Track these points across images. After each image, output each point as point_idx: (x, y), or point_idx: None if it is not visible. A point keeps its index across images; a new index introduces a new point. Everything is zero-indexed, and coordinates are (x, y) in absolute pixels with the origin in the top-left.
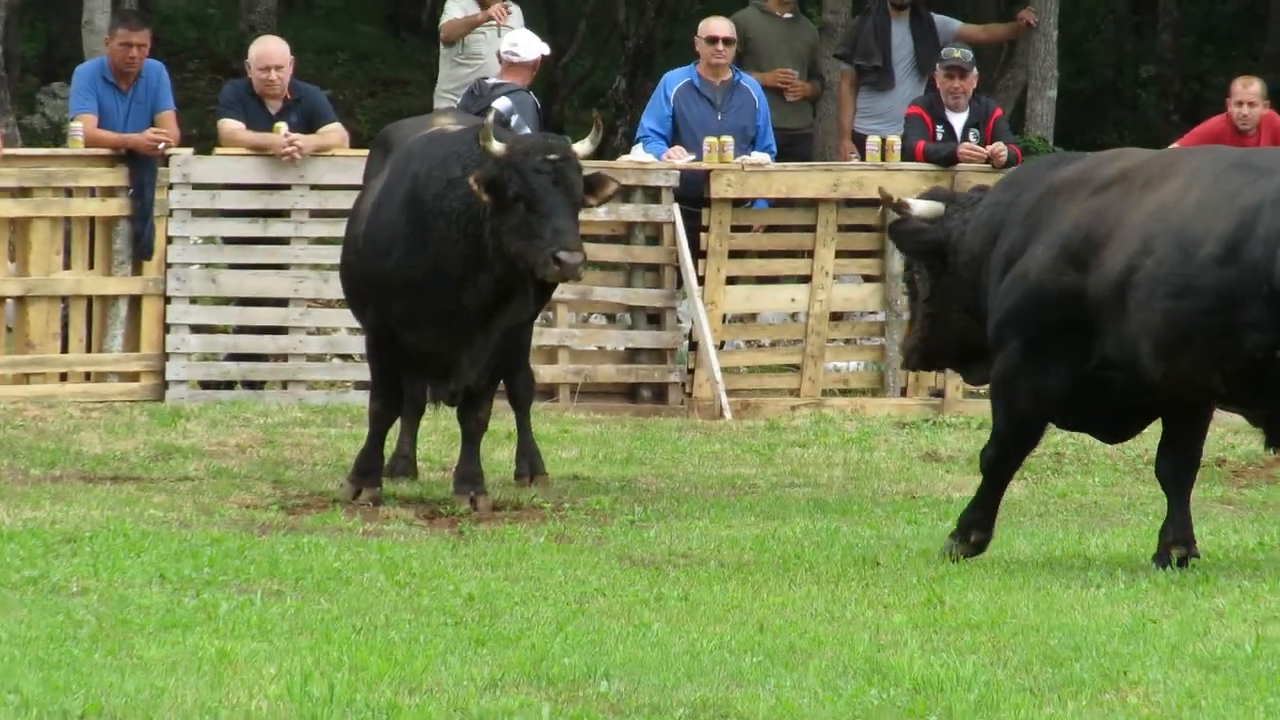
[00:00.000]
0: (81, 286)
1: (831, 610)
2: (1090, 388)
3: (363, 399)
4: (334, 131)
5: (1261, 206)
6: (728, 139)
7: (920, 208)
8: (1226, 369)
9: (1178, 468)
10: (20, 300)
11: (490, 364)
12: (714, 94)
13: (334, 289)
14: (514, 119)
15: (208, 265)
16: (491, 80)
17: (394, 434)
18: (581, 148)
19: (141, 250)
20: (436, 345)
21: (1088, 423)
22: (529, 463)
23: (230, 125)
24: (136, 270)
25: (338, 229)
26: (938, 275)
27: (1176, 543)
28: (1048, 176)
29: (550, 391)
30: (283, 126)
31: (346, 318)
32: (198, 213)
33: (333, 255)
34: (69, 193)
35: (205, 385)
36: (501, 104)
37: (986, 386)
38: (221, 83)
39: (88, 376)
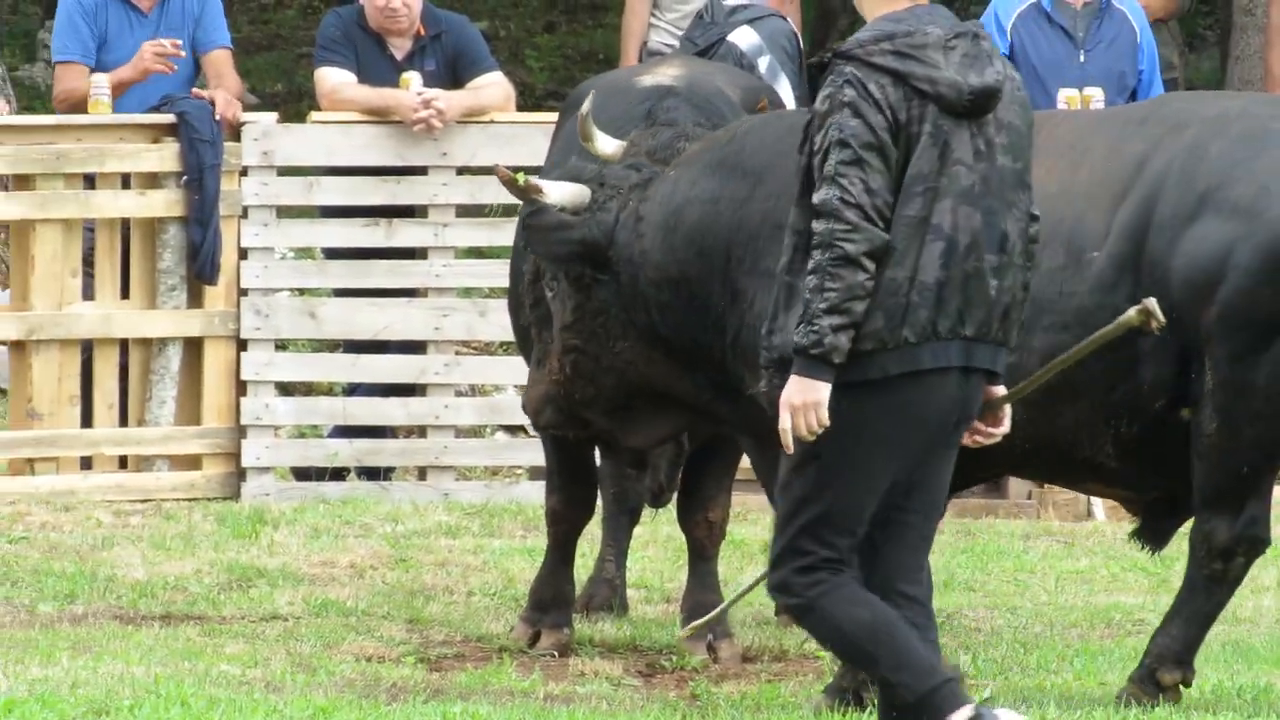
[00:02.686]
0: (111, 325)
1: None
2: None
3: (540, 494)
4: (492, 86)
5: (1165, 179)
6: (1094, 91)
7: (558, 192)
8: (1122, 430)
9: None
10: (18, 346)
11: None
12: (1073, 21)
13: (495, 326)
14: (762, 61)
15: (302, 291)
16: (731, 2)
17: (592, 548)
18: None
19: (201, 269)
20: None
21: None
22: None
23: (334, 77)
24: (195, 301)
25: (502, 234)
26: (587, 291)
27: None
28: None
29: None
30: (414, 78)
31: (516, 370)
32: (285, 211)
33: (494, 275)
34: (90, 182)
35: (301, 475)
36: (743, 38)
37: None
38: (319, 11)
39: (123, 463)
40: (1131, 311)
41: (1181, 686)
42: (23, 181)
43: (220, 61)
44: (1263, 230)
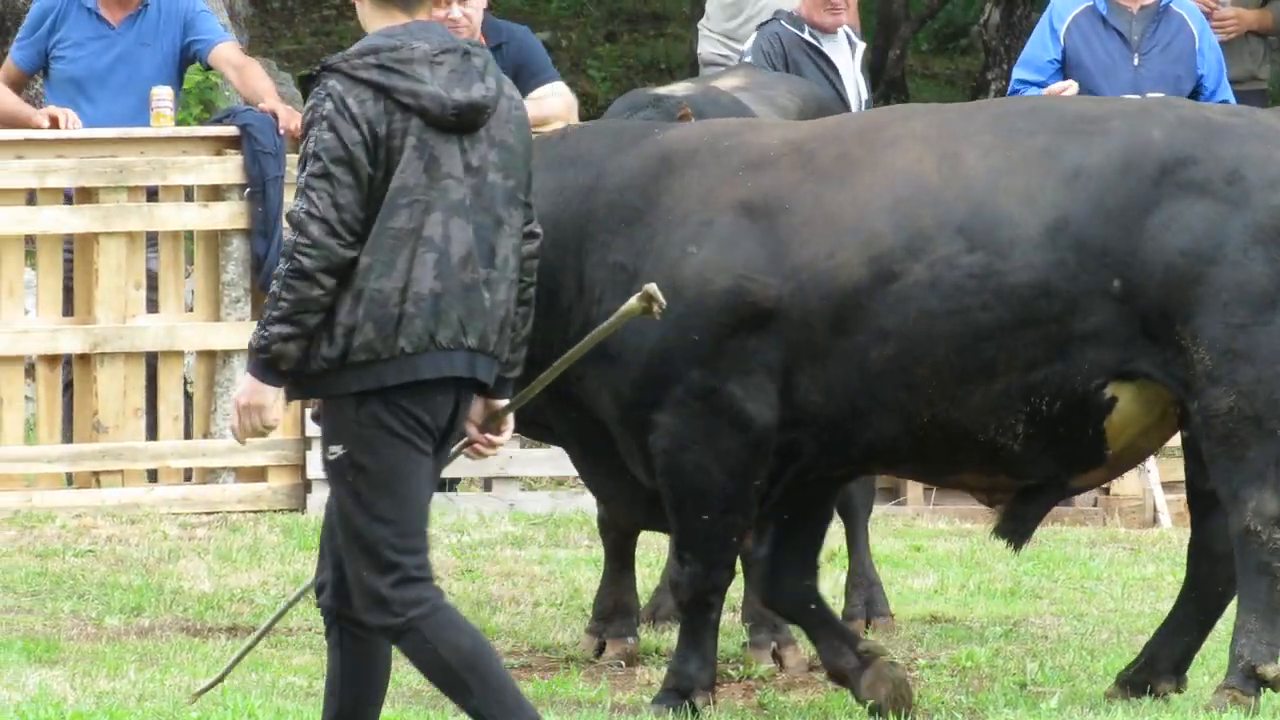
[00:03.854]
0: (176, 338)
1: None
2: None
3: None
4: (554, 96)
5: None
6: (1154, 97)
7: None
8: (1040, 411)
9: None
10: (83, 360)
11: None
12: (1129, 25)
13: None
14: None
15: None
16: (784, 15)
17: (659, 557)
18: None
19: (265, 281)
20: None
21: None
22: (864, 597)
23: None
24: (259, 313)
25: None
26: None
27: None
28: (639, 151)
29: (895, 490)
30: None
31: None
32: None
33: None
34: (152, 195)
35: None
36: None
37: None
38: None
39: (188, 475)
40: (633, 300)
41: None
42: (86, 195)
43: (229, 55)
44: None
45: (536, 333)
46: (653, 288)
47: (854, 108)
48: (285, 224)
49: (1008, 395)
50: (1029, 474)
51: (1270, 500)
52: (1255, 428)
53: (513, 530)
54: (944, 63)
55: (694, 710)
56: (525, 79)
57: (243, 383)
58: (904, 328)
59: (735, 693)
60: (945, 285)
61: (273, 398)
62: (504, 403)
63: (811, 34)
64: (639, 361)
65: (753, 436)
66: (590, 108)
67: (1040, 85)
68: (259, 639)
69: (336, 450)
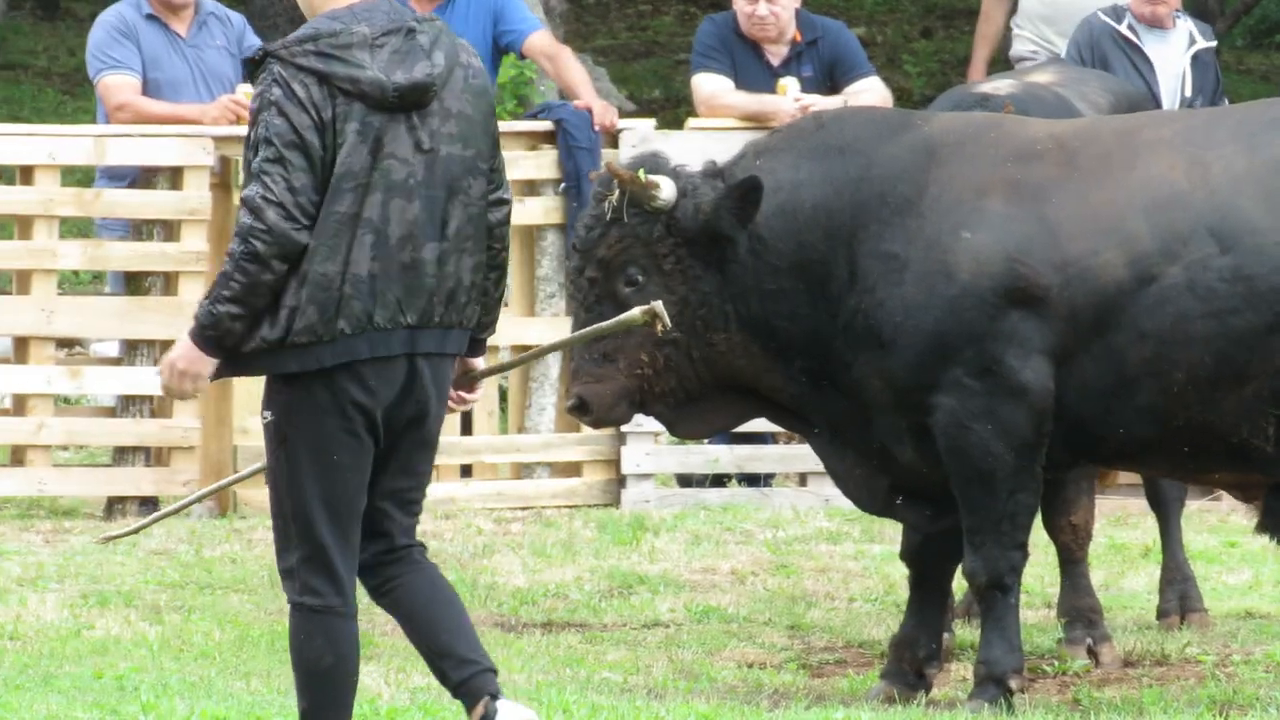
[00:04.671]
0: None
1: None
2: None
3: None
4: (869, 91)
5: None
6: None
7: (668, 188)
8: None
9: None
10: None
11: None
12: None
13: None
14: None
15: None
16: (1108, 9)
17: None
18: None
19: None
20: None
21: None
22: (1179, 594)
23: (712, 83)
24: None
25: None
26: (693, 284)
27: None
28: (905, 140)
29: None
30: (792, 84)
31: None
32: None
33: None
34: None
35: (683, 481)
36: None
37: None
38: (696, 17)
39: (504, 471)
40: (636, 311)
41: None
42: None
43: (542, 44)
44: None
45: (804, 320)
46: (659, 306)
47: (1167, 104)
48: (246, 204)
49: (1259, 398)
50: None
51: None
52: None
53: (827, 526)
54: (1259, 58)
55: (1009, 693)
56: (840, 74)
57: (180, 346)
58: (1161, 330)
59: (1050, 688)
60: (1200, 288)
61: (208, 368)
62: (478, 363)
63: (1131, 27)
64: (914, 346)
65: (1033, 405)
66: (905, 103)
67: None
68: (188, 505)
69: (268, 416)
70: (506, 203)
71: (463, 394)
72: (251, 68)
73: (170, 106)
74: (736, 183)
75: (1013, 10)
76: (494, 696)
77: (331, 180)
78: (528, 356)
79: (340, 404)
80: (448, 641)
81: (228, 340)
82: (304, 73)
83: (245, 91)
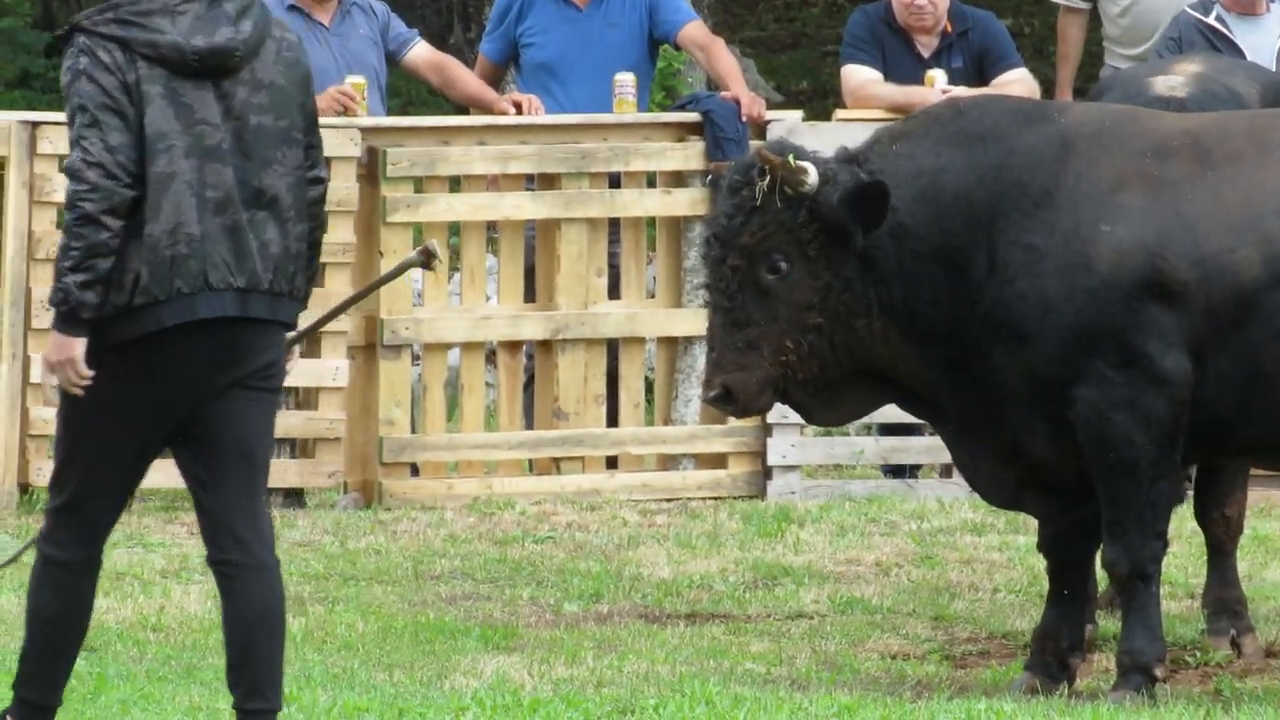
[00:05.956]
0: (636, 325)
1: None
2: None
3: None
4: (1018, 83)
5: None
6: None
7: (814, 174)
8: None
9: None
10: (544, 346)
11: None
12: None
13: None
14: None
15: None
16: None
17: None
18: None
19: None
20: None
21: None
22: None
23: (861, 74)
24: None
25: None
26: (836, 269)
27: None
28: (1044, 131)
29: None
30: (939, 76)
31: None
32: None
33: None
34: (614, 181)
35: (826, 473)
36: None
37: None
38: (844, 9)
39: (648, 462)
40: (414, 253)
41: None
42: (548, 181)
43: (696, 35)
44: None
45: (944, 307)
46: (433, 244)
47: None
48: (68, 173)
49: None
50: None
51: None
52: None
53: (972, 517)
54: None
55: (1153, 682)
56: (989, 64)
57: (50, 342)
58: None
59: (1192, 679)
60: None
61: (80, 349)
62: (290, 334)
63: (1219, 18)
64: (1055, 338)
65: (1173, 395)
66: (1051, 94)
67: None
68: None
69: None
70: (322, 181)
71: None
72: (59, 43)
73: (480, 87)
74: (860, 184)
75: (1093, 25)
76: None
77: (145, 143)
78: (324, 319)
79: (148, 367)
80: (253, 666)
81: (83, 312)
82: (106, 40)
83: (353, 82)
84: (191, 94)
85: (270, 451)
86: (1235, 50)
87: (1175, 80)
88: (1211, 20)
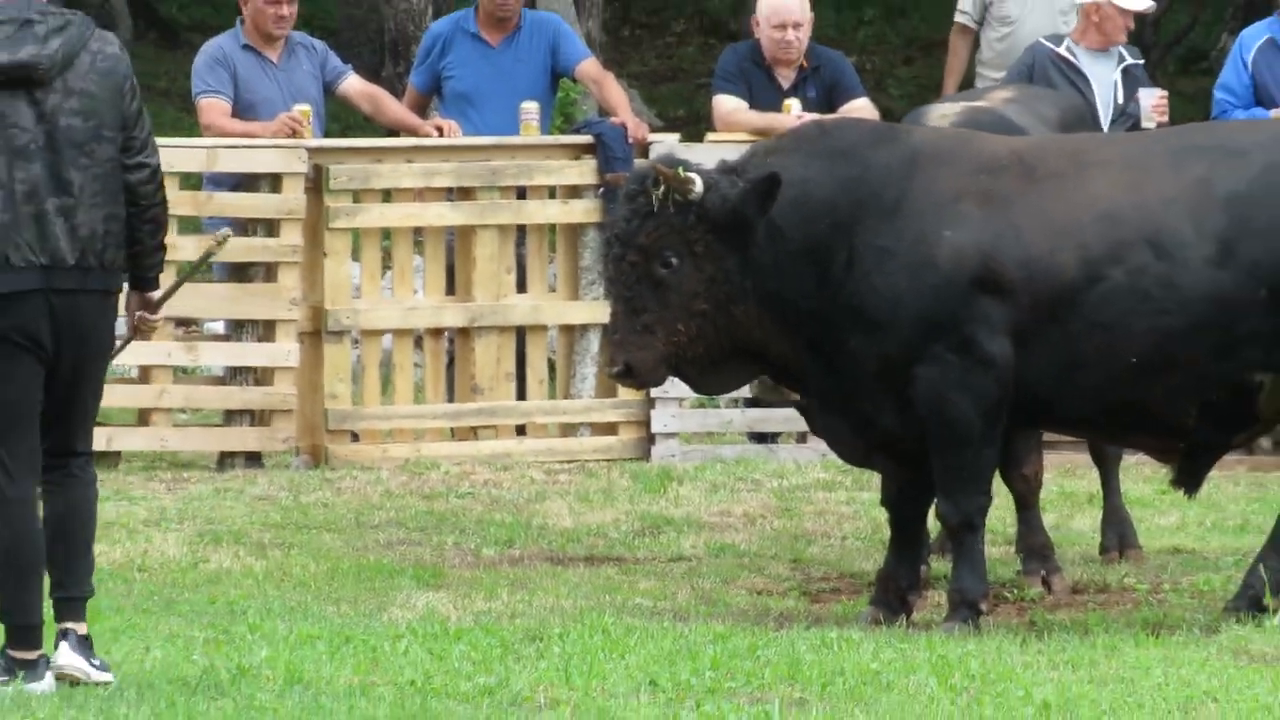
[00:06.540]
0: (540, 314)
1: None
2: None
3: None
4: (861, 110)
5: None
6: None
7: (700, 182)
8: (1210, 396)
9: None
10: (463, 333)
11: None
12: None
13: None
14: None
15: None
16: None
17: None
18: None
19: None
20: None
21: None
22: (1118, 533)
23: (728, 103)
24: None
25: None
26: (718, 263)
27: None
28: (895, 149)
29: None
30: (794, 104)
31: None
32: None
33: None
34: (521, 194)
35: (701, 439)
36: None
37: None
38: (714, 49)
39: (552, 430)
40: (212, 241)
41: None
42: (465, 193)
43: (591, 70)
44: None
45: (810, 298)
46: (227, 230)
47: (1103, 113)
48: None
49: (1184, 383)
50: (1196, 439)
51: None
52: None
53: (824, 476)
54: (1188, 82)
55: (978, 615)
56: (838, 95)
57: None
58: (1108, 323)
59: (1010, 612)
60: (1140, 290)
61: None
62: (153, 295)
63: (1070, 49)
64: (902, 326)
65: (999, 375)
66: (890, 120)
67: (1237, 104)
68: None
69: None
70: (145, 166)
71: (145, 315)
72: None
73: (245, 125)
74: (761, 176)
75: (976, 46)
76: (64, 635)
77: None
78: (178, 281)
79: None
80: (63, 559)
81: None
82: None
83: (301, 110)
84: (5, 102)
85: (99, 397)
86: (1082, 78)
87: (947, 111)
88: (1062, 51)
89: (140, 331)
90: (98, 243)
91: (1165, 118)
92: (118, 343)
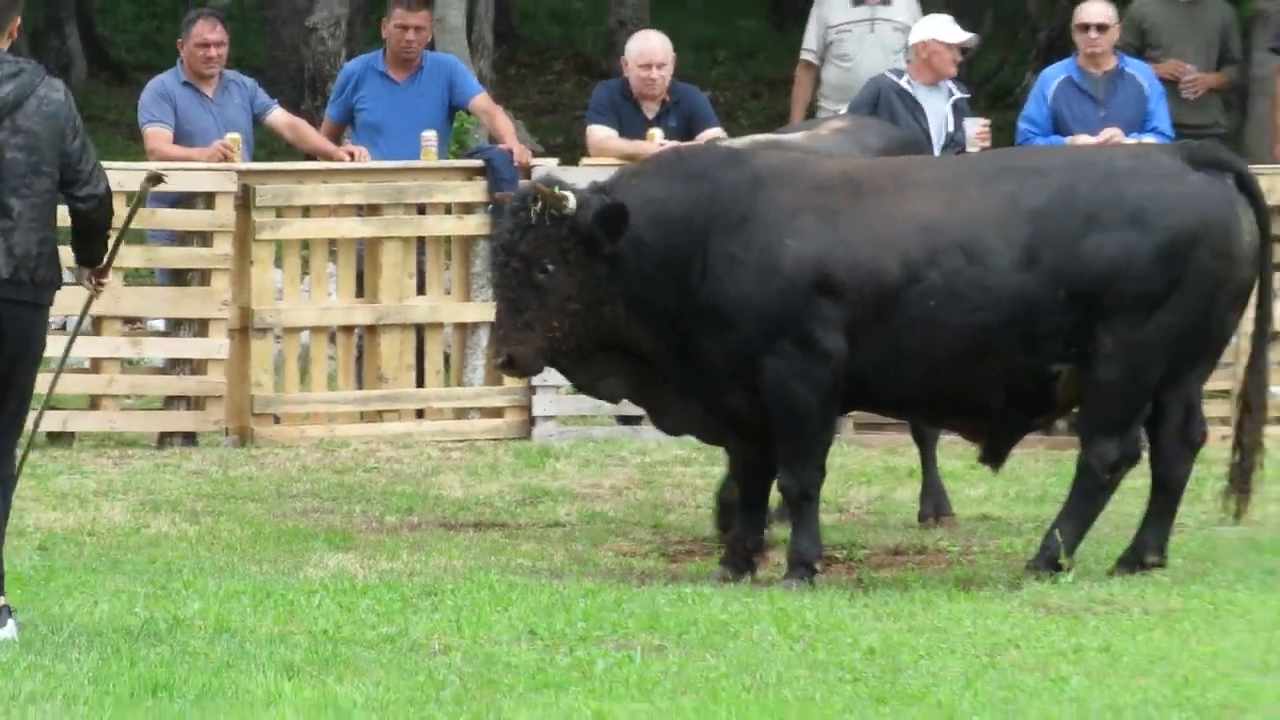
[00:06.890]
0: (438, 314)
1: (1267, 661)
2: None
3: None
4: (717, 138)
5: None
6: (1112, 131)
7: (573, 200)
8: (1017, 384)
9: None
10: (370, 330)
11: None
12: (1095, 87)
13: None
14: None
15: None
16: (892, 69)
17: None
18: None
19: None
20: None
21: None
22: (934, 503)
23: (600, 132)
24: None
25: None
26: (587, 269)
27: None
28: (742, 171)
29: None
30: (657, 133)
31: None
32: None
33: None
34: (421, 210)
35: (575, 421)
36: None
37: None
38: (588, 85)
39: (447, 414)
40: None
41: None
42: (373, 209)
43: (483, 104)
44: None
45: (670, 301)
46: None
47: (935, 139)
48: None
49: (993, 373)
50: (1002, 421)
51: (1113, 450)
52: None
53: (681, 453)
54: (997, 115)
55: (813, 573)
56: (695, 124)
57: None
58: (927, 320)
59: (840, 571)
60: (955, 291)
61: None
62: (100, 265)
63: (909, 82)
64: (750, 323)
65: (834, 366)
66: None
67: (1039, 133)
68: None
69: None
70: (93, 196)
71: (101, 281)
72: None
73: (184, 150)
74: (607, 206)
75: (818, 83)
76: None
77: None
78: (120, 233)
79: None
80: None
81: None
82: None
83: (232, 138)
84: None
85: (26, 403)
86: (919, 108)
87: (794, 134)
88: (903, 83)
89: (98, 290)
90: (31, 261)
91: (988, 144)
92: (80, 309)
